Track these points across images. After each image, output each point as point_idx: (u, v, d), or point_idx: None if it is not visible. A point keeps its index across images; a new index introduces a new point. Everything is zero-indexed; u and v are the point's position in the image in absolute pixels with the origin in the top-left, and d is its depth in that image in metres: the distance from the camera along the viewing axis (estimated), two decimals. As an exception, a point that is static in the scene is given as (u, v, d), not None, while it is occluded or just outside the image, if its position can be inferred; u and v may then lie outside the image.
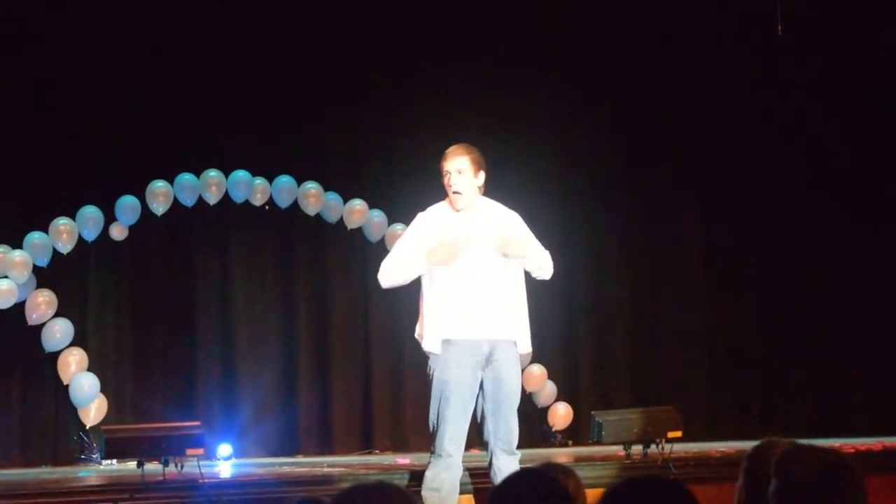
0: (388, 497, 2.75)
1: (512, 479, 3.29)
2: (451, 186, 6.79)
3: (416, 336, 6.83)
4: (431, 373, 6.69)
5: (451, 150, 6.85)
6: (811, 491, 3.28)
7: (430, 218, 6.90)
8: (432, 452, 6.67)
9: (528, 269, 6.91)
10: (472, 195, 6.84)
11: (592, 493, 5.98)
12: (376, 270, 6.87)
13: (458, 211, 6.83)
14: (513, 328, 6.77)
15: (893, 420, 11.85)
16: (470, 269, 6.68)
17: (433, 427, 6.66)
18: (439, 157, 6.83)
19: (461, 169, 6.77)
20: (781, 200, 13.11)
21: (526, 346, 6.88)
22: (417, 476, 7.09)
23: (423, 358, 6.82)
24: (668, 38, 12.73)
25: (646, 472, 3.05)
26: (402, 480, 7.75)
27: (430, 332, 6.70)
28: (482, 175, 6.85)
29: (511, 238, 6.77)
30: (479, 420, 6.73)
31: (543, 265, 6.93)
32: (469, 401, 6.64)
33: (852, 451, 8.63)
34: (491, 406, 6.69)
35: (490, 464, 6.71)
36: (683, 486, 2.90)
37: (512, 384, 6.73)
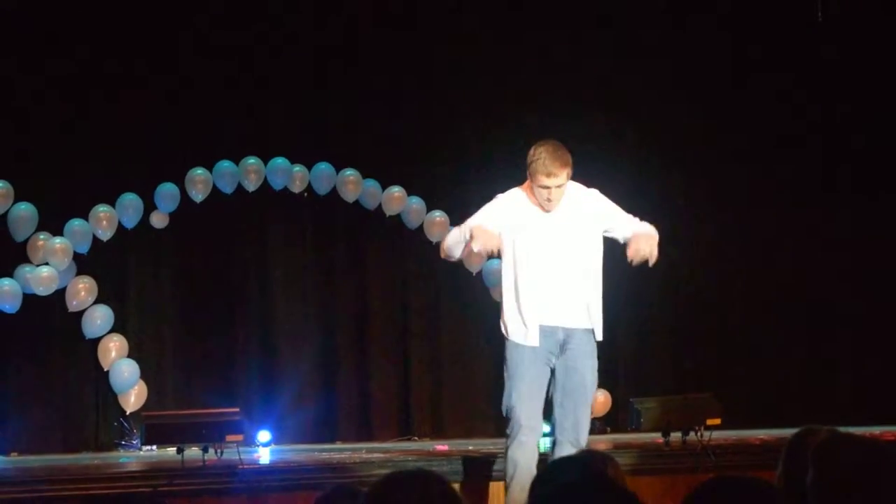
0: (426, 485, 2.73)
1: (551, 468, 3.28)
2: (550, 202, 6.52)
3: (503, 328, 6.71)
4: (507, 356, 6.62)
5: (552, 162, 6.45)
6: (848, 481, 3.25)
7: (511, 203, 6.69)
8: (508, 436, 6.62)
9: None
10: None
11: (632, 481, 5.96)
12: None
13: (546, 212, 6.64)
14: (588, 316, 6.68)
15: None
16: (550, 261, 6.59)
17: (507, 410, 6.60)
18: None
19: (561, 184, 6.52)
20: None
21: (599, 335, 6.78)
22: (454, 463, 7.03)
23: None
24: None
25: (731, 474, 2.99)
26: (440, 467, 7.75)
27: (511, 320, 6.62)
28: None
29: (648, 251, 6.63)
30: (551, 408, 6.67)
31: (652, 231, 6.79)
32: (542, 381, 6.59)
33: (894, 438, 8.57)
34: (559, 395, 6.61)
35: (552, 453, 6.63)
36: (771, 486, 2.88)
37: (583, 374, 6.66)
